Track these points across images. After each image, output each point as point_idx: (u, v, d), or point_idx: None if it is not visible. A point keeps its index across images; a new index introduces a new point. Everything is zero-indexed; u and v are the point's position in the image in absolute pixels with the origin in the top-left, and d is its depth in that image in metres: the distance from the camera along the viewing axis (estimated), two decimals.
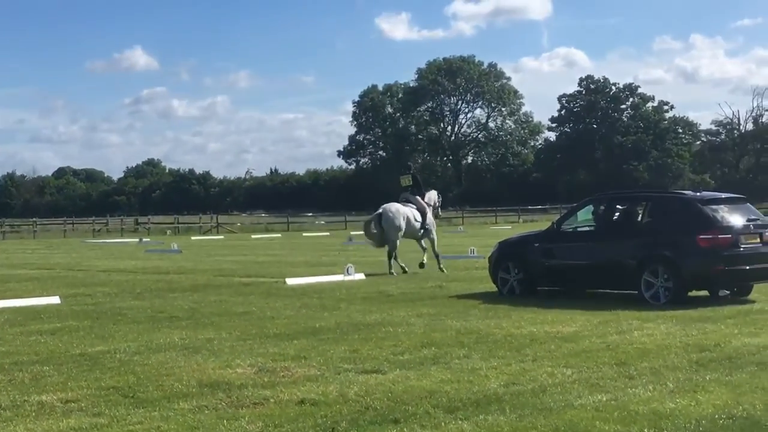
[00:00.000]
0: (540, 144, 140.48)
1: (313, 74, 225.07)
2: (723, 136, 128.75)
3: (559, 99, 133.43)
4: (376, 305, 17.61)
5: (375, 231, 26.24)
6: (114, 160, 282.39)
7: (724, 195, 19.06)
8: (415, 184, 27.63)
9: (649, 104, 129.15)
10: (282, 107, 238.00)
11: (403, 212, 26.29)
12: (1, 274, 28.91)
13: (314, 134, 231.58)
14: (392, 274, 25.13)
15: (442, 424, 8.30)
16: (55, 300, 19.42)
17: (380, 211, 26.29)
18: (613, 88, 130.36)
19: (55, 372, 11.18)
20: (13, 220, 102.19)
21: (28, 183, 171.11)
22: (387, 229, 25.90)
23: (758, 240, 17.38)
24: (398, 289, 20.64)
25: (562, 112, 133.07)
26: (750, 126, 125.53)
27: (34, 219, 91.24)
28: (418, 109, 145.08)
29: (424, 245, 26.95)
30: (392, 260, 25.80)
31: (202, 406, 9.16)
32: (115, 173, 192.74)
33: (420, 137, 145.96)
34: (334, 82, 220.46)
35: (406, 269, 25.68)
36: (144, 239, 62.39)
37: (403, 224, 26.08)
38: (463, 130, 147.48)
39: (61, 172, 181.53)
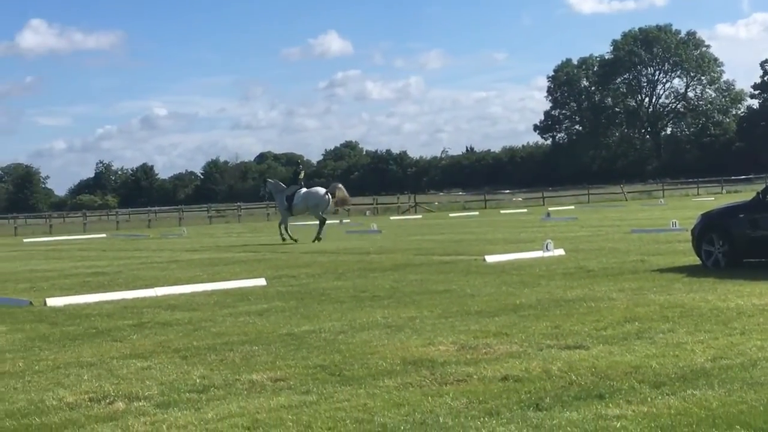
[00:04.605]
0: (742, 112, 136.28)
1: (505, 50, 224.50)
2: None
3: (762, 65, 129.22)
4: (577, 281, 17.46)
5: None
6: (312, 144, 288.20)
7: None
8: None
9: None
10: (475, 85, 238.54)
11: None
12: (209, 258, 29.86)
13: (508, 111, 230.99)
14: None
15: (649, 399, 8.18)
16: (261, 282, 19.94)
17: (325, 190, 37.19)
18: None
19: (264, 351, 11.50)
20: (218, 205, 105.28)
21: (232, 169, 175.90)
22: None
23: None
24: (599, 264, 20.40)
25: (765, 78, 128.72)
26: None
27: (238, 203, 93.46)
28: (614, 81, 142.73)
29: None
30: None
31: (406, 384, 9.27)
32: (314, 156, 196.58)
33: (617, 110, 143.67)
34: (525, 57, 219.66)
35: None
36: (344, 220, 63.37)
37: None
38: (661, 101, 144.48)
39: (262, 158, 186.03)
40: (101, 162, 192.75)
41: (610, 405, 8.04)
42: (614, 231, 32.69)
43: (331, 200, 37.03)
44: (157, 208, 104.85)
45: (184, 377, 10.14)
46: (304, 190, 37.31)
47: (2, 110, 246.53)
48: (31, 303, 18.07)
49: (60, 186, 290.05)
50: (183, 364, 10.99)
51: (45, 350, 12.50)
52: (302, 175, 38.62)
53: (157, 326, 14.29)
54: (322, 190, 37.06)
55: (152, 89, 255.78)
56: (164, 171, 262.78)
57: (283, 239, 36.45)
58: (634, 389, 8.55)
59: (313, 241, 35.03)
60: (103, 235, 59.42)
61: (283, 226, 37.33)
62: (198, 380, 9.93)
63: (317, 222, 36.94)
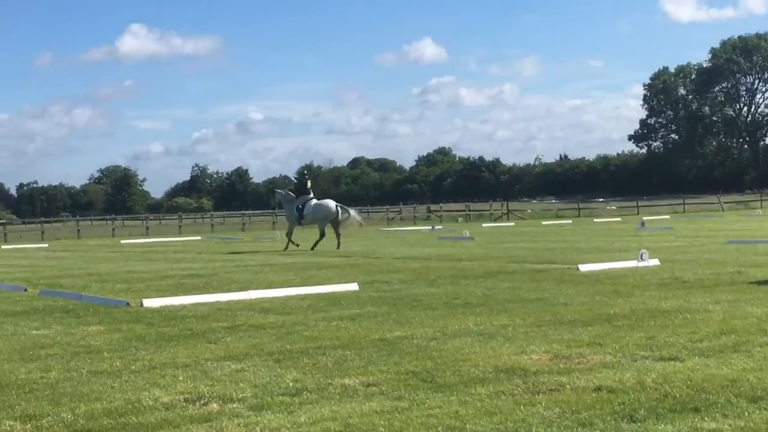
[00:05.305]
0: None
1: (601, 58, 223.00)
2: None
3: None
4: (672, 291, 17.24)
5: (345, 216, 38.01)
6: (405, 150, 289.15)
7: None
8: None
9: None
10: (569, 92, 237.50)
11: None
12: (303, 262, 30.06)
13: (602, 119, 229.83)
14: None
15: (746, 413, 8.04)
16: (353, 287, 19.99)
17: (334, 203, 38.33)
18: None
19: (356, 356, 11.54)
20: None
21: (325, 173, 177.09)
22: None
23: None
24: (694, 275, 20.12)
25: None
26: None
27: None
28: (712, 89, 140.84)
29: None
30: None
31: (498, 392, 9.24)
32: (407, 162, 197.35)
33: (714, 119, 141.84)
34: (621, 65, 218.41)
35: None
36: (436, 227, 63.36)
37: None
38: (760, 110, 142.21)
39: (355, 162, 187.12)
40: (197, 165, 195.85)
41: (706, 418, 7.93)
42: (710, 241, 32.23)
43: (343, 214, 38.06)
44: (251, 211, 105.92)
45: (278, 380, 10.22)
46: (314, 201, 38.19)
47: (102, 113, 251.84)
48: (128, 304, 18.37)
49: (156, 188, 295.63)
50: (276, 367, 11.07)
51: (141, 350, 12.69)
52: (309, 184, 39.82)
53: (251, 329, 14.43)
54: (332, 204, 37.92)
55: (248, 94, 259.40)
56: (258, 175, 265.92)
57: (295, 244, 37.56)
58: (731, 403, 8.42)
59: (338, 248, 36.16)
60: (198, 238, 60.21)
61: (291, 235, 38.38)
62: (291, 383, 10.00)
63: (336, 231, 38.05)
